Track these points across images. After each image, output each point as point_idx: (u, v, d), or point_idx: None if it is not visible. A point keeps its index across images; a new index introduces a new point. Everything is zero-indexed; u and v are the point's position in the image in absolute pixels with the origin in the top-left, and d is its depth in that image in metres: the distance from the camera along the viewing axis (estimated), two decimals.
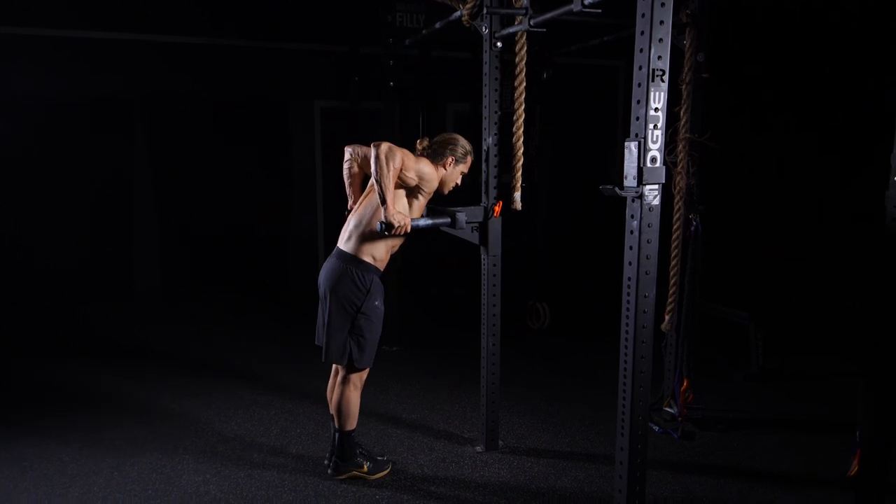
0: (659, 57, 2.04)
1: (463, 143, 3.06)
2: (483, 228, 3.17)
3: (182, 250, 6.81)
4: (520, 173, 3.23)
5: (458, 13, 3.26)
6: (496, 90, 3.11)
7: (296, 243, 7.21)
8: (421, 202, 3.01)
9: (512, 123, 3.17)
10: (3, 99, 6.00)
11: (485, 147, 3.17)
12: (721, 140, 3.36)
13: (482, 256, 3.22)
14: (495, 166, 3.18)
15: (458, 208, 3.09)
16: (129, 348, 4.97)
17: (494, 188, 3.18)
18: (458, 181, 3.12)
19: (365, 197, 3.01)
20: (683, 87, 3.28)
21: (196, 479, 3.00)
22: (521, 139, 3.17)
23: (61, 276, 6.33)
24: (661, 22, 2.02)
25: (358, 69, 6.45)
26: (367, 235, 2.91)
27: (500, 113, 3.15)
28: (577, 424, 3.62)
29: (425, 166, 2.93)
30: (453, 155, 3.03)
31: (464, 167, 3.09)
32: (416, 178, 2.89)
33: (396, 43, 4.68)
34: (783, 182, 6.62)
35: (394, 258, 3.20)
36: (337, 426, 3.00)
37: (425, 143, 3.08)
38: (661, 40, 2.03)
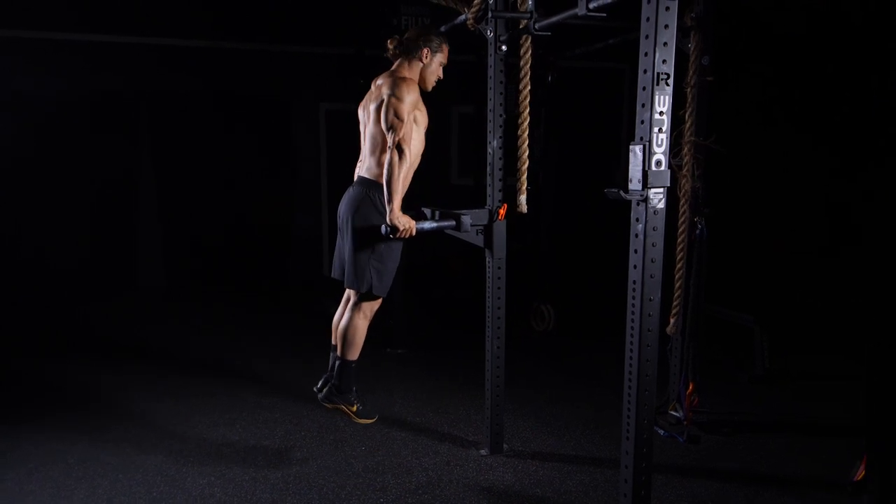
0: (664, 60, 2.04)
1: (436, 32, 3.10)
2: (488, 231, 3.17)
3: (184, 250, 6.84)
4: (525, 176, 3.23)
5: (462, 17, 3.26)
6: (501, 93, 3.11)
7: (299, 244, 7.22)
8: (422, 118, 3.05)
9: (517, 126, 3.17)
10: (5, 99, 6.04)
11: (490, 150, 3.17)
12: (726, 143, 3.36)
13: (487, 259, 3.22)
14: (500, 169, 3.18)
15: (463, 211, 3.10)
16: (132, 348, 4.98)
17: (499, 191, 3.18)
18: (440, 73, 3.13)
19: (369, 119, 3.05)
20: (688, 90, 3.28)
21: (201, 482, 3.01)
22: (526, 142, 3.17)
23: (63, 275, 6.36)
24: (666, 26, 2.02)
25: (363, 72, 6.46)
26: (384, 156, 2.95)
27: (504, 116, 3.15)
28: (583, 427, 3.62)
29: (408, 96, 2.93)
30: (428, 46, 3.05)
31: (441, 57, 3.11)
32: (413, 111, 2.96)
33: None
34: (788, 185, 6.60)
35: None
36: (339, 353, 3.01)
37: (395, 42, 3.08)
38: (665, 44, 2.03)
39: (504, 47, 3.08)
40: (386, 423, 3.66)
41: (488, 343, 3.26)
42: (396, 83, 2.99)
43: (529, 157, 3.25)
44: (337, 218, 3.10)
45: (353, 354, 3.02)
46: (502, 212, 3.14)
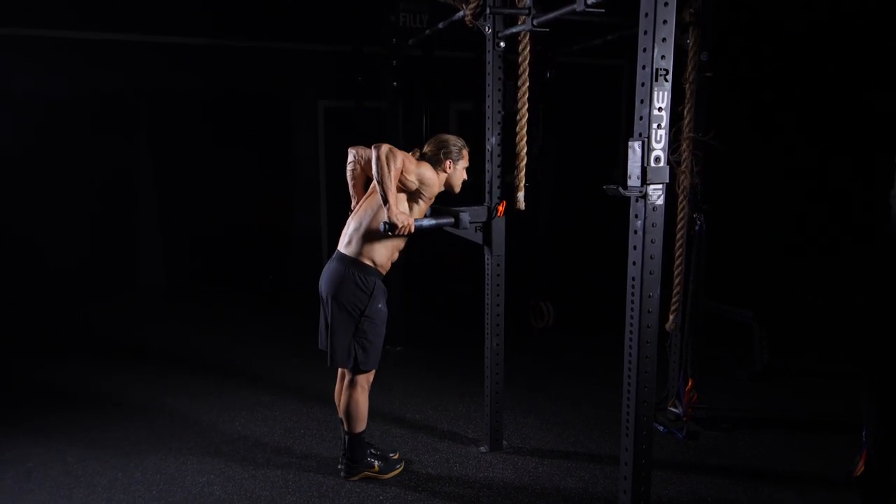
0: (662, 56, 2.03)
1: (453, 141, 3.04)
2: (487, 228, 3.17)
3: (184, 250, 6.83)
4: (523, 173, 3.23)
5: (461, 13, 3.25)
6: (499, 90, 3.11)
7: (298, 243, 7.22)
8: (422, 206, 3.00)
9: (515, 123, 3.16)
10: (4, 97, 6.03)
11: (488, 147, 3.17)
12: (725, 139, 3.35)
13: (486, 256, 3.22)
14: (499, 166, 3.18)
15: (462, 208, 3.09)
16: (131, 347, 4.98)
17: (498, 188, 3.18)
18: (465, 176, 3.11)
19: (365, 200, 3.00)
20: (687, 86, 3.27)
21: (200, 480, 3.00)
22: (525, 139, 3.17)
23: (63, 275, 6.36)
24: (665, 21, 2.02)
25: (361, 69, 6.46)
26: (368, 238, 2.89)
27: (503, 113, 3.14)
28: (582, 424, 3.62)
29: (426, 170, 2.93)
30: (449, 157, 3.01)
31: (464, 162, 3.07)
32: (416, 182, 2.89)
33: (400, 43, 4.67)
34: (787, 181, 6.60)
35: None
36: (347, 429, 2.99)
37: (417, 154, 3.04)
38: (664, 39, 2.03)
39: (502, 44, 3.08)
40: (385, 420, 3.66)
41: (487, 340, 3.26)
42: (421, 159, 2.98)
43: (528, 153, 3.25)
44: (319, 291, 3.03)
45: (360, 427, 3.01)
46: (501, 209, 3.14)
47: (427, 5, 4.65)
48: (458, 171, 3.06)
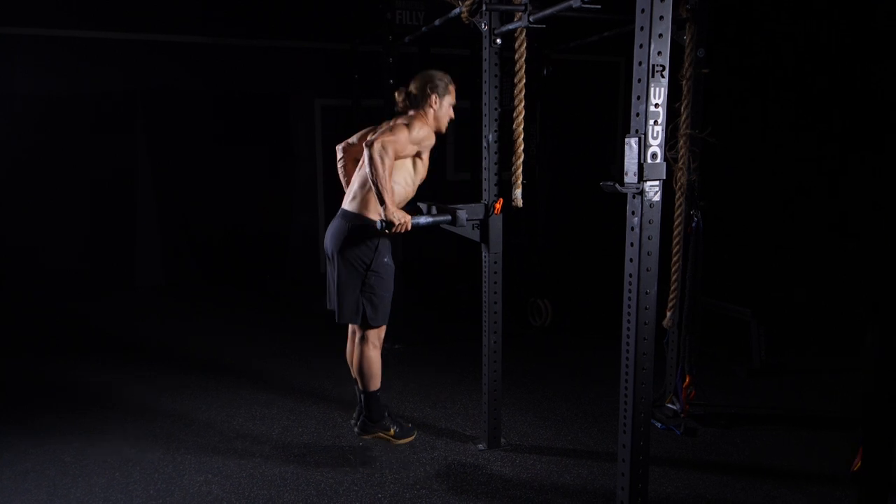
0: (659, 52, 2.03)
1: (439, 76, 3.06)
2: (484, 226, 3.17)
3: (182, 249, 6.82)
4: (520, 170, 3.22)
5: (457, 10, 3.25)
6: (496, 87, 3.10)
7: (296, 240, 7.21)
8: (425, 158, 3.03)
9: (512, 120, 3.16)
10: (1, 96, 6.01)
11: (485, 144, 3.16)
12: (722, 135, 3.35)
13: (483, 254, 3.21)
14: (496, 163, 3.17)
15: (459, 206, 3.09)
16: (129, 346, 4.97)
17: (495, 185, 3.17)
18: (452, 114, 3.12)
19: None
20: (684, 82, 3.27)
21: (198, 479, 3.00)
22: (522, 136, 3.17)
23: (60, 274, 6.35)
24: (661, 17, 2.01)
25: (358, 67, 6.46)
26: (372, 193, 2.90)
27: (500, 110, 3.14)
28: (580, 421, 3.62)
29: (418, 131, 2.92)
30: (435, 92, 3.02)
31: (450, 98, 3.08)
32: (416, 147, 2.92)
33: (396, 41, 4.67)
34: (784, 176, 6.60)
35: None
36: (361, 387, 3.01)
37: (402, 95, 3.06)
38: (660, 36, 2.02)
39: (499, 41, 3.07)
40: None
41: (485, 338, 3.26)
42: (413, 117, 3.00)
43: (525, 151, 3.24)
44: (324, 249, 3.06)
45: (375, 385, 3.02)
46: (498, 206, 3.14)
47: (423, 3, 4.65)
48: (445, 107, 3.07)
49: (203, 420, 3.63)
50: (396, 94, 3.10)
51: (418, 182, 3.11)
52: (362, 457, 3.20)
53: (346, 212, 2.97)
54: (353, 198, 2.98)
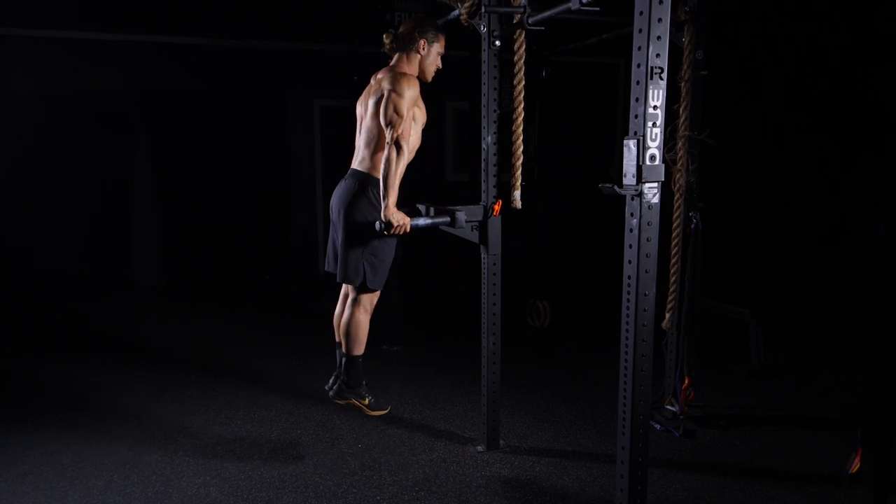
0: (657, 55, 2.03)
1: (430, 21, 3.07)
2: (483, 227, 3.16)
3: (182, 247, 6.83)
4: (519, 172, 3.22)
5: (456, 12, 3.25)
6: (495, 89, 3.10)
7: (296, 241, 7.21)
8: (421, 105, 3.03)
9: (511, 122, 3.16)
10: (1, 97, 6.01)
11: (484, 146, 3.16)
12: (721, 137, 3.35)
13: (482, 255, 3.21)
14: (494, 165, 3.17)
15: (458, 207, 3.09)
16: (128, 347, 4.96)
17: (494, 187, 3.17)
18: (439, 63, 3.12)
19: (367, 113, 3.03)
20: (682, 84, 3.27)
21: (196, 482, 3.00)
22: (521, 138, 3.17)
23: (61, 274, 6.35)
24: (660, 19, 2.01)
25: (357, 68, 6.46)
26: (380, 153, 2.92)
27: (498, 111, 3.14)
28: (579, 423, 3.62)
29: (408, 91, 2.90)
30: (424, 37, 3.03)
31: (438, 47, 3.08)
32: (413, 106, 2.94)
33: None
34: (784, 178, 6.61)
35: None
36: (345, 350, 3.01)
37: (390, 38, 3.06)
38: (659, 38, 2.02)
39: (498, 42, 3.07)
40: (382, 420, 3.65)
41: (484, 339, 3.25)
42: (397, 78, 2.96)
43: (524, 152, 3.24)
44: (329, 210, 3.08)
45: (359, 349, 3.03)
46: (497, 208, 3.14)
47: (422, 4, 4.65)
48: (433, 55, 3.07)
49: (202, 421, 3.63)
50: (384, 37, 3.08)
51: (421, 129, 3.10)
52: (361, 459, 3.19)
53: (354, 171, 3.02)
54: (362, 158, 3.02)
